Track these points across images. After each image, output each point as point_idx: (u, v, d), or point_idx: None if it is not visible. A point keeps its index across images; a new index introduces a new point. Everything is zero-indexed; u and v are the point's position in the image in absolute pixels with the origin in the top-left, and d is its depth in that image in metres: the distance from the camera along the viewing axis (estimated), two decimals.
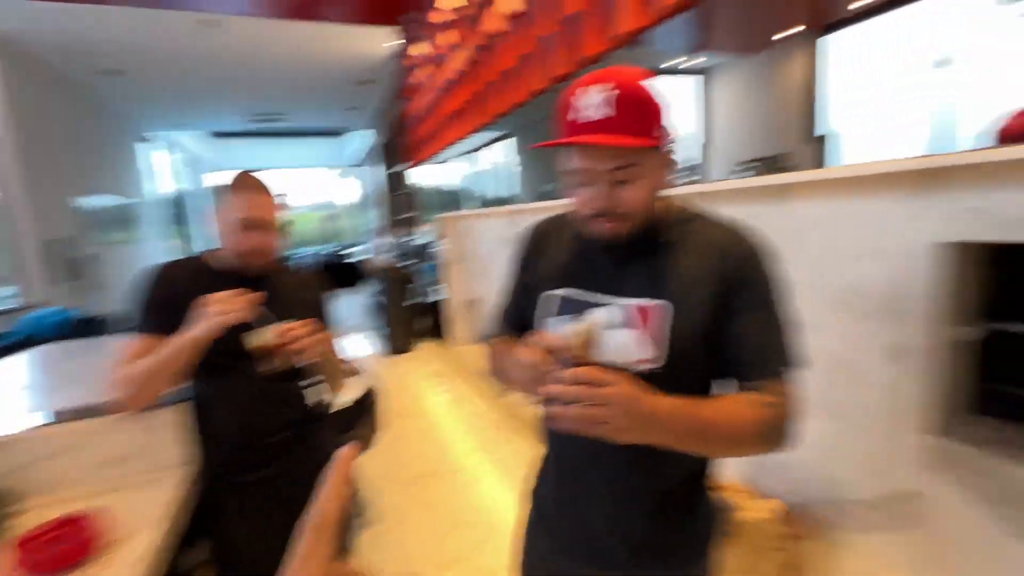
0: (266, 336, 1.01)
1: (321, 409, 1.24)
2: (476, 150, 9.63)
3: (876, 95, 4.42)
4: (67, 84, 5.12)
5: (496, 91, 2.94)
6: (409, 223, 6.84)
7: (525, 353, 0.64)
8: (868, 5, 4.33)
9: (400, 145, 6.54)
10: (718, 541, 0.84)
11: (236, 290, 0.98)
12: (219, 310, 0.95)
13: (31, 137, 4.24)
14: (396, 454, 2.74)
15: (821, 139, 4.86)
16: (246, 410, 1.11)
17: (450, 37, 3.55)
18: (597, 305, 0.73)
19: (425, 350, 4.85)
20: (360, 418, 1.94)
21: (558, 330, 0.62)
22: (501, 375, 0.82)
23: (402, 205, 7.17)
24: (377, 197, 9.56)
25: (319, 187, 13.88)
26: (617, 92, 0.63)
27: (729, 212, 1.53)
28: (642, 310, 0.70)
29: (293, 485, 1.10)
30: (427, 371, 4.22)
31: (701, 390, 0.73)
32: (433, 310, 5.02)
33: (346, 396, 1.84)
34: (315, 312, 1.17)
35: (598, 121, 0.64)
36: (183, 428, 1.17)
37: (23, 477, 1.13)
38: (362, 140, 9.91)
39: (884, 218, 1.17)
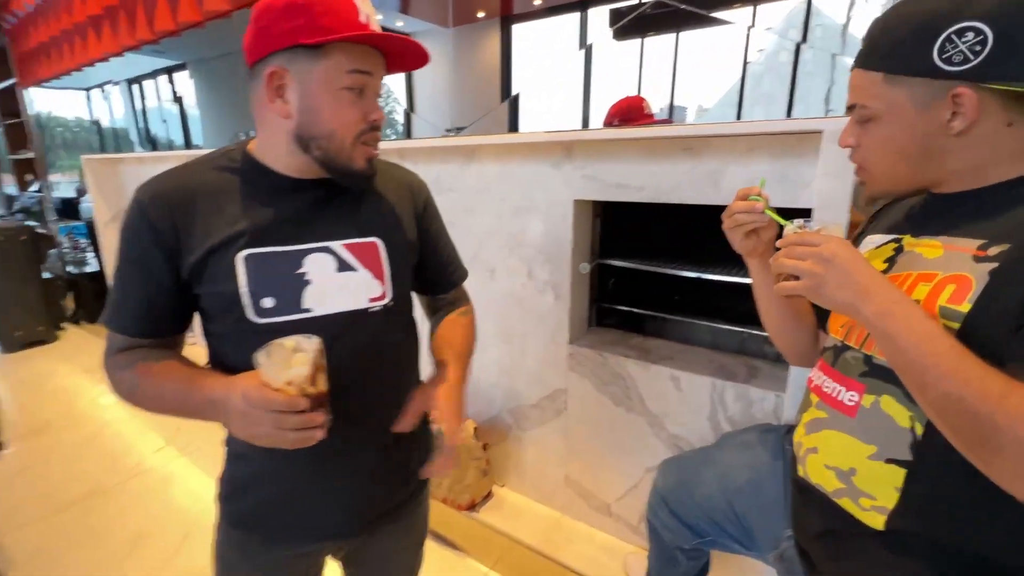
0: None
1: None
2: (135, 81, 7.51)
3: (547, 76, 5.48)
4: None
5: (156, 2, 2.34)
6: (30, 167, 4.91)
7: (252, 399, 0.54)
8: (546, 5, 5.25)
9: None
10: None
11: None
12: None
13: None
14: (36, 480, 2.04)
15: (515, 109, 5.66)
16: None
17: None
18: (304, 253, 0.66)
19: (73, 338, 3.67)
20: None
21: (270, 374, 0.54)
22: (160, 405, 0.64)
23: (13, 141, 5.07)
24: None
25: None
26: (379, 16, 0.62)
27: (434, 169, 1.67)
28: (362, 249, 0.69)
29: None
30: (80, 365, 3.22)
31: (411, 314, 0.80)
32: (78, 286, 3.82)
33: None
34: None
35: (389, 33, 0.61)
36: None
37: None
38: None
39: (541, 178, 1.46)
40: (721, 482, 0.97)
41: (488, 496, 1.71)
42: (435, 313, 0.89)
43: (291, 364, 0.54)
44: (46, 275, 3.58)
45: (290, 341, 0.55)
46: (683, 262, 1.41)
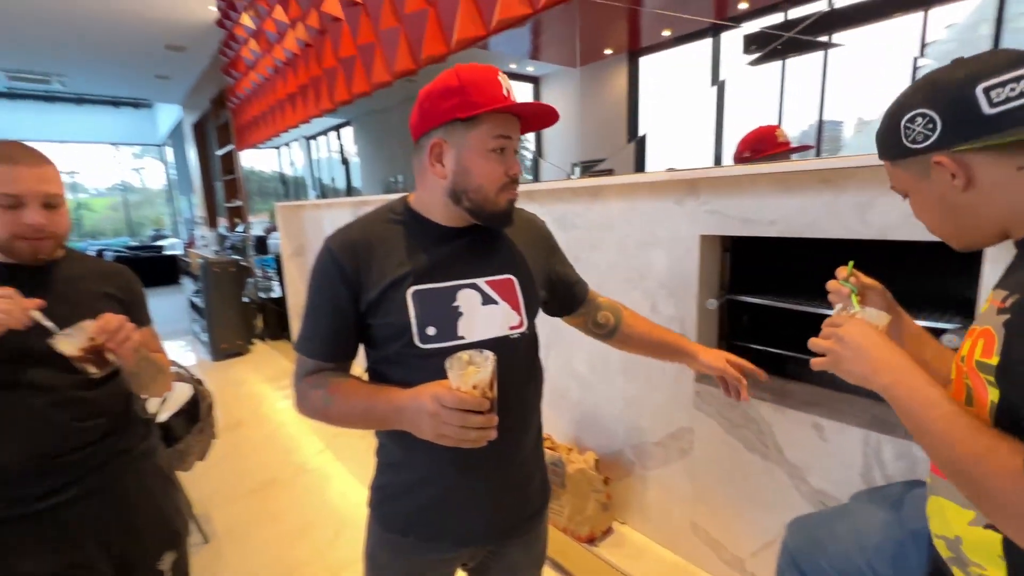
0: (78, 339, 0.85)
1: (143, 417, 1.12)
2: (311, 138, 9.02)
3: (676, 107, 5.38)
4: None
5: (336, 78, 2.84)
6: (238, 213, 6.14)
7: (444, 401, 0.64)
8: (675, 35, 5.19)
9: (221, 125, 5.82)
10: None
11: (5, 289, 0.83)
12: None
13: None
14: (232, 467, 2.51)
15: (641, 143, 5.65)
16: (33, 427, 0.93)
17: (279, 15, 3.31)
18: (456, 289, 0.77)
19: (261, 352, 4.45)
20: (190, 426, 1.76)
21: (459, 380, 0.64)
22: (347, 416, 0.76)
23: (228, 192, 6.40)
24: (193, 182, 8.34)
25: (111, 167, 11.49)
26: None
27: (558, 208, 1.77)
28: (500, 285, 0.80)
29: (106, 506, 0.98)
30: (264, 374, 3.89)
31: (537, 342, 0.89)
32: (266, 308, 4.63)
33: (172, 403, 1.66)
34: (124, 309, 1.01)
35: (527, 102, 0.75)
36: None
37: None
38: (170, 115, 8.53)
39: (665, 215, 1.48)
40: (857, 537, 0.88)
41: (608, 531, 1.70)
42: (595, 324, 1.01)
43: (466, 374, 0.64)
44: (244, 299, 4.42)
45: (465, 355, 0.66)
46: (827, 299, 1.30)
